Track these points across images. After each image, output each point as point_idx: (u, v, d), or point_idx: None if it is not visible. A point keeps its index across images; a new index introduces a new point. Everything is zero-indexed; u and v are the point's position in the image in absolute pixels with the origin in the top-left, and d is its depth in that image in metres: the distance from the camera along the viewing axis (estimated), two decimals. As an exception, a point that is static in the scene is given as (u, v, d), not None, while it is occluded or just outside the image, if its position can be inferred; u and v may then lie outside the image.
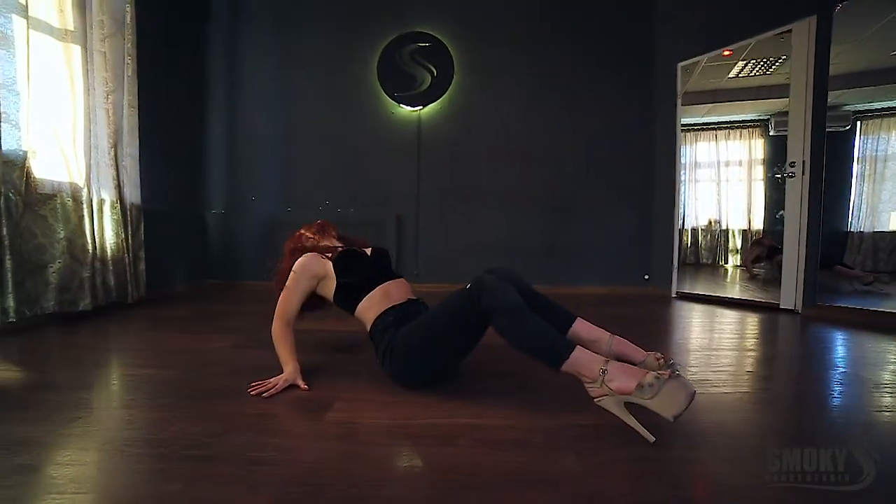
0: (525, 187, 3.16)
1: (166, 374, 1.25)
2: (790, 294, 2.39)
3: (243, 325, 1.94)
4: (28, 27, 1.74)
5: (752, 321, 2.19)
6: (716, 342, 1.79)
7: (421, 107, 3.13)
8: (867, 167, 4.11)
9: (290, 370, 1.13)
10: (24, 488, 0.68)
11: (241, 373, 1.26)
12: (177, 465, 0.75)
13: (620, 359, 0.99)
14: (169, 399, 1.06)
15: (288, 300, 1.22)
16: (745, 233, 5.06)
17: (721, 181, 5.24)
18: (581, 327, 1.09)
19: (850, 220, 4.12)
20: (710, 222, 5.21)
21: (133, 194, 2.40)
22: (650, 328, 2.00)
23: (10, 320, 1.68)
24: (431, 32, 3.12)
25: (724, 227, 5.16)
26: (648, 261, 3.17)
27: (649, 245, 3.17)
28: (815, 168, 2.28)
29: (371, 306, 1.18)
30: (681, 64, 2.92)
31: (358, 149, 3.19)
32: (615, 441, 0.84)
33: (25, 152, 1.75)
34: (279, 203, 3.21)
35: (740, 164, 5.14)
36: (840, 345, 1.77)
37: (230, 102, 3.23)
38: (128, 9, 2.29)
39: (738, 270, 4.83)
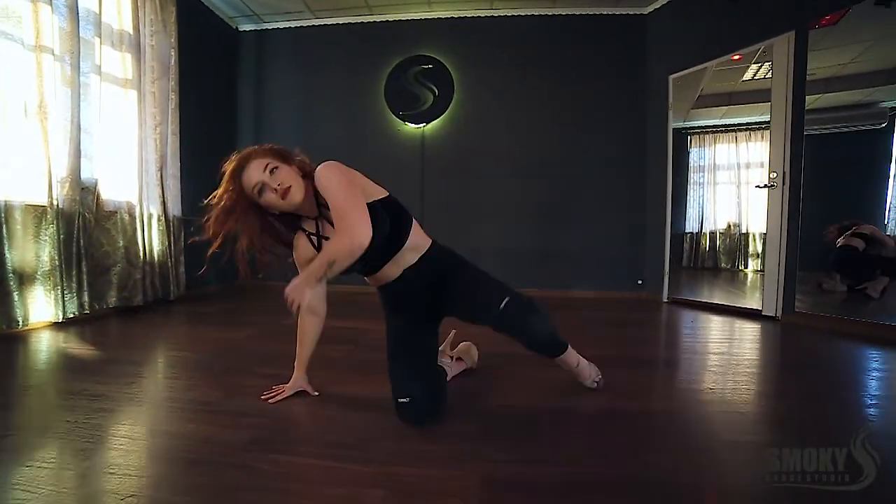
0: (522, 196, 3.36)
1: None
2: (771, 301, 2.45)
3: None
4: (101, 81, 2.20)
5: (733, 327, 2.27)
6: (691, 348, 1.88)
7: (424, 124, 3.41)
8: (905, 164, 3.94)
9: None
10: (104, 419, 1.03)
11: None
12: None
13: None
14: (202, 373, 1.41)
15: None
16: (765, 237, 4.94)
17: (741, 183, 5.12)
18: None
19: (886, 219, 3.96)
20: (728, 226, 5.11)
21: (175, 208, 2.85)
22: (630, 332, 2.15)
23: (85, 312, 2.14)
24: (433, 55, 3.40)
25: (743, 231, 5.05)
26: (642, 266, 3.28)
27: (643, 251, 3.28)
28: (793, 179, 2.33)
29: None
30: (672, 76, 3.02)
31: (367, 163, 3.47)
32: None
33: (96, 180, 2.21)
34: (299, 212, 3.61)
35: (762, 165, 5.00)
36: (817, 352, 1.84)
37: (256, 124, 3.66)
38: (172, 54, 2.74)
39: (759, 276, 4.73)
